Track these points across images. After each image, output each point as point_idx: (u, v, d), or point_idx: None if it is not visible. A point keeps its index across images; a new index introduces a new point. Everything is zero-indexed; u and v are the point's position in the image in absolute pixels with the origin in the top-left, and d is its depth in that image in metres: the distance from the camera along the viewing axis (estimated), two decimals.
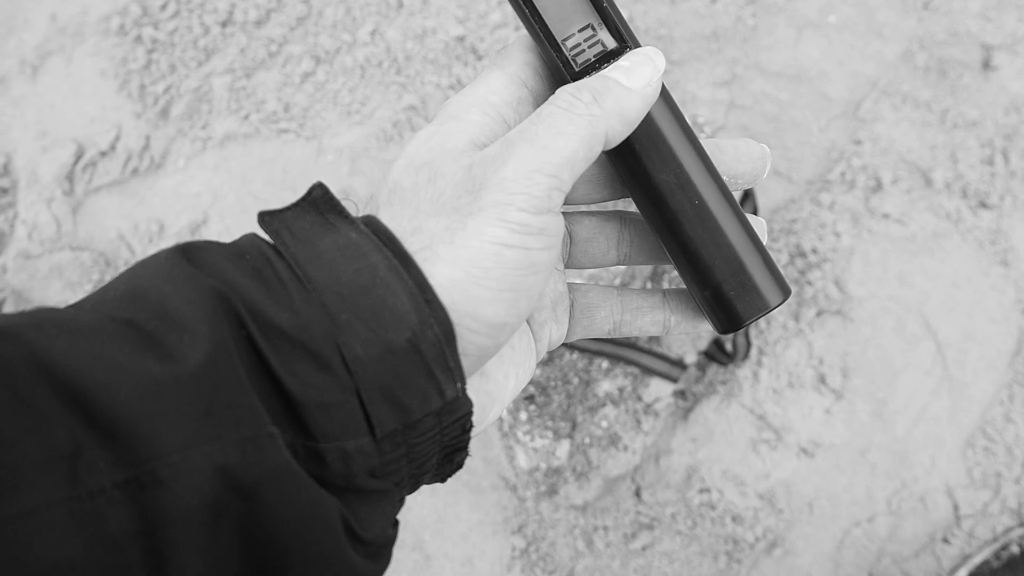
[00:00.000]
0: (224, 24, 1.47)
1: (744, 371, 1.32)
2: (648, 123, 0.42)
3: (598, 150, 0.40)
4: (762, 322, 1.32)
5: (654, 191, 0.43)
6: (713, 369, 1.33)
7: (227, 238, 1.41)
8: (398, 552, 1.39)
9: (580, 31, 0.42)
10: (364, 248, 0.37)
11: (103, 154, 1.43)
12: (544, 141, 0.38)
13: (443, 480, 0.42)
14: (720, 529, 1.32)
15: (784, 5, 1.44)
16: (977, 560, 1.25)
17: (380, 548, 0.38)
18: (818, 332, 1.32)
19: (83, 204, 1.42)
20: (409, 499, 1.39)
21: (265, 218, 0.39)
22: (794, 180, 1.36)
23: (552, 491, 1.26)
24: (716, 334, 1.24)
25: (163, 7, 1.47)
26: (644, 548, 1.34)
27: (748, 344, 1.26)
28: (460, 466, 0.42)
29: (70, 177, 1.42)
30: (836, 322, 1.32)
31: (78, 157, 1.42)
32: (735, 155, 0.46)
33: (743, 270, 0.45)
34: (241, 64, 1.45)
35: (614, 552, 1.35)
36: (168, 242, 1.40)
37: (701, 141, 0.44)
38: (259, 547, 0.33)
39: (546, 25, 0.42)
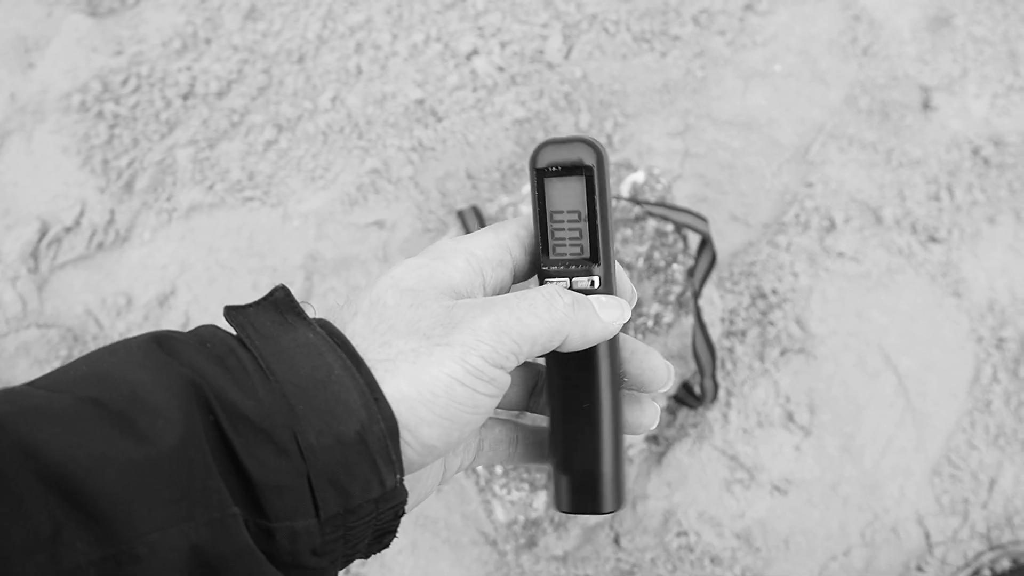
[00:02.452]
0: (185, 97, 1.49)
1: (714, 413, 1.34)
2: (593, 348, 0.48)
3: (554, 344, 0.45)
4: (728, 364, 1.35)
5: (567, 389, 0.50)
6: (683, 412, 1.35)
7: (196, 308, 1.42)
8: None
9: (570, 236, 0.48)
10: (320, 348, 0.40)
11: (68, 230, 1.44)
12: (521, 314, 0.43)
13: (367, 557, 0.44)
14: (700, 571, 1.33)
15: (731, 56, 1.49)
16: None
17: None
18: (783, 371, 1.35)
19: (48, 281, 1.42)
20: (389, 558, 1.38)
21: (231, 312, 0.42)
22: (751, 224, 1.40)
23: (531, 543, 1.27)
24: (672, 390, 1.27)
25: (124, 82, 1.49)
26: None
27: (716, 386, 1.28)
28: (387, 546, 0.44)
29: (35, 254, 1.42)
30: (800, 360, 1.35)
31: (42, 234, 1.43)
32: (640, 365, 0.51)
33: (595, 474, 0.49)
34: (204, 135, 1.47)
35: None
36: (136, 315, 1.40)
37: (623, 343, 0.50)
38: None
39: (545, 209, 0.48)
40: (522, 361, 0.44)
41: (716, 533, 1.33)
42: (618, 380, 0.49)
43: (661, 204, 1.17)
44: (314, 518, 0.38)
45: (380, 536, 0.43)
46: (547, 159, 0.47)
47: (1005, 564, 1.27)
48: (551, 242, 0.48)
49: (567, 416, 0.49)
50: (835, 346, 1.35)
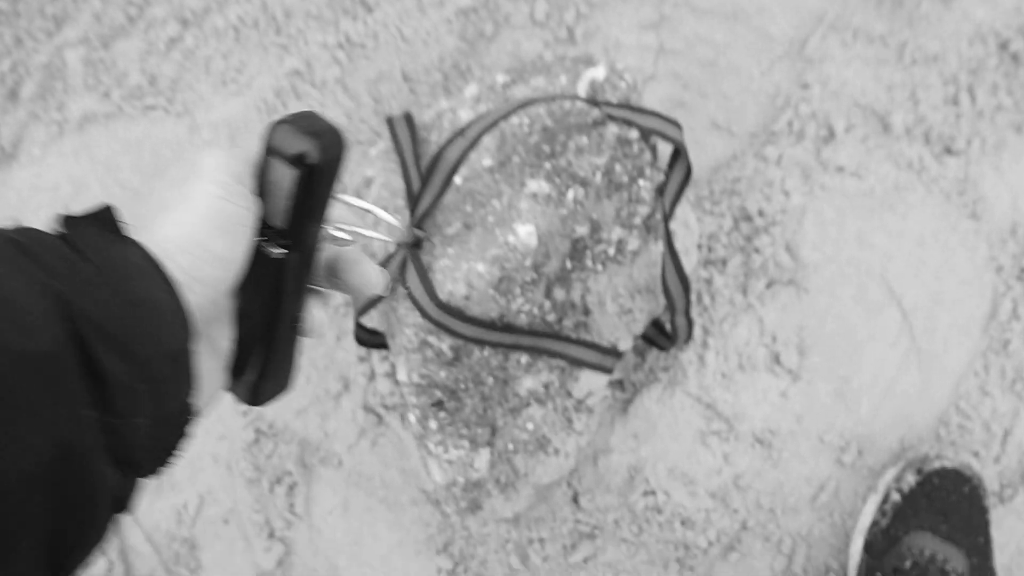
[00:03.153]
0: None
1: (688, 355, 1.16)
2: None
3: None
4: (706, 298, 1.16)
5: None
6: (653, 355, 1.16)
7: None
8: None
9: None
10: (144, 268, 0.44)
11: None
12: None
13: (155, 471, 0.47)
14: (669, 534, 1.17)
15: None
16: (865, 522, 1.11)
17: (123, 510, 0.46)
18: (769, 306, 1.16)
19: None
20: (320, 522, 1.22)
21: (69, 223, 0.45)
22: (735, 133, 1.19)
23: (475, 506, 1.09)
24: (651, 316, 1.08)
25: None
26: (586, 560, 1.19)
27: (690, 324, 1.09)
28: (169, 462, 0.48)
29: None
30: (789, 293, 1.16)
31: None
32: (352, 272, 0.57)
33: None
34: (97, 32, 1.26)
35: (553, 566, 1.19)
36: None
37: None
38: (66, 503, 0.39)
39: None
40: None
41: (688, 492, 1.16)
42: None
43: (624, 106, 0.97)
44: (149, 418, 0.43)
45: (169, 451, 0.47)
46: (276, 141, 0.49)
47: (911, 479, 1.09)
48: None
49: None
50: (830, 277, 1.15)
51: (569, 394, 1.07)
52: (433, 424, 1.03)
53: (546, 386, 1.05)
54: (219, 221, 0.47)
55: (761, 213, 1.16)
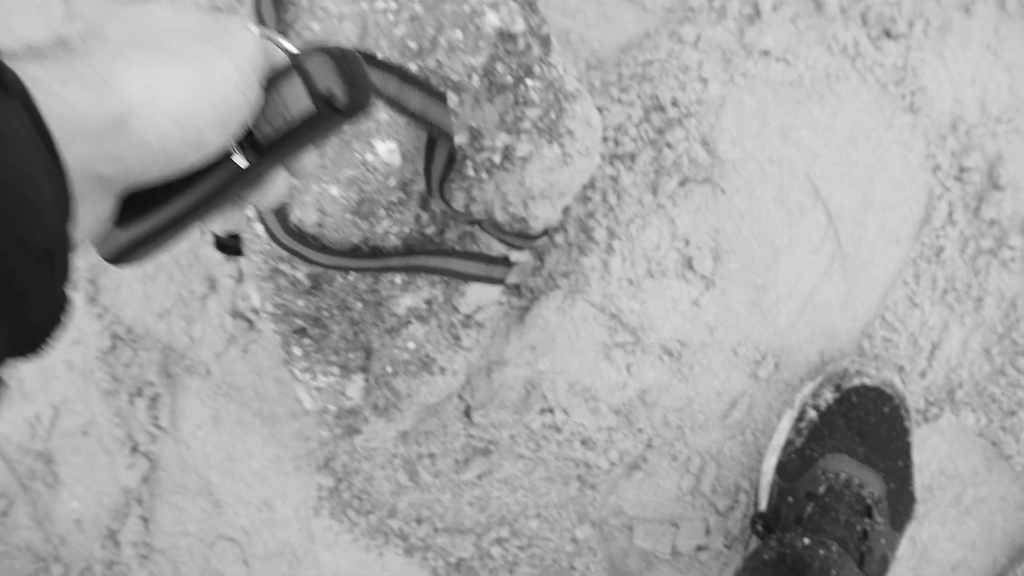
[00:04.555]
0: None
1: (591, 259, 1.04)
2: None
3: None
4: (611, 197, 1.04)
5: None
6: (553, 258, 1.04)
7: None
8: (180, 499, 1.13)
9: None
10: (22, 143, 0.36)
11: None
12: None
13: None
14: (569, 452, 1.08)
15: None
16: (780, 440, 1.04)
17: None
18: (682, 206, 1.04)
19: None
20: (189, 436, 1.12)
21: None
22: (648, 8, 1.05)
23: (352, 431, 0.99)
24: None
25: None
26: (480, 476, 1.10)
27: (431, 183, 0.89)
28: None
29: None
30: (704, 193, 1.03)
31: None
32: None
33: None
34: None
35: (444, 483, 1.11)
36: None
37: None
38: None
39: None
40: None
41: (590, 409, 1.06)
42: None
43: (390, 67, 0.77)
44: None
45: (29, 353, 0.39)
46: (315, 65, 0.47)
47: (828, 396, 1.01)
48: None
49: None
50: (750, 175, 1.03)
51: (456, 309, 0.96)
52: (297, 351, 0.91)
53: (428, 302, 0.93)
54: (221, 109, 0.43)
55: (675, 103, 1.02)
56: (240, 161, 0.46)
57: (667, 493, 1.09)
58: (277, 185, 0.51)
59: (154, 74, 0.41)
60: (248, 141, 0.46)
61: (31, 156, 0.36)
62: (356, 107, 0.48)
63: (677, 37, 1.02)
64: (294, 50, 0.48)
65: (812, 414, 1.01)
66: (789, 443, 1.02)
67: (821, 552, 0.91)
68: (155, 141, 0.41)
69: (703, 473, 1.08)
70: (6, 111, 0.36)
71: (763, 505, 1.03)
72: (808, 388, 1.04)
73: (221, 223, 0.51)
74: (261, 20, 0.87)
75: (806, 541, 0.92)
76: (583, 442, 1.07)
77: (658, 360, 1.06)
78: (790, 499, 0.99)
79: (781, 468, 1.02)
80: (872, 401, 0.99)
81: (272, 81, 0.47)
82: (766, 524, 1.01)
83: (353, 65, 0.47)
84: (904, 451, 1.01)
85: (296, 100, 0.46)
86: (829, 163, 1.03)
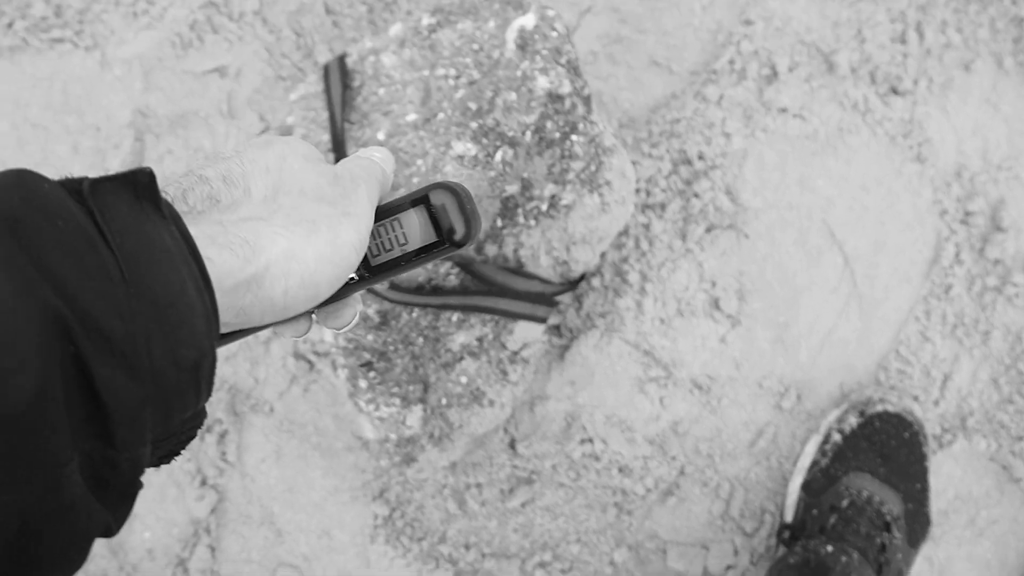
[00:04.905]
0: None
1: (626, 301, 1.13)
2: None
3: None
4: (644, 244, 1.13)
5: None
6: (591, 300, 1.13)
7: None
8: (245, 528, 1.21)
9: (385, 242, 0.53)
10: (176, 259, 0.38)
11: None
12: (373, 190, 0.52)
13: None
14: (607, 480, 1.16)
15: None
16: (805, 462, 1.12)
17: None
18: (709, 251, 1.13)
19: None
20: (253, 470, 1.20)
21: (93, 187, 0.37)
22: (675, 71, 1.14)
23: (409, 460, 1.08)
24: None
25: None
26: (524, 504, 1.18)
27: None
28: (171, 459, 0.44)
29: None
30: (729, 238, 1.13)
31: None
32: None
33: None
34: None
35: (490, 511, 1.19)
36: None
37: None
38: (28, 565, 0.35)
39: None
40: None
41: (626, 439, 1.15)
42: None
43: (496, 267, 0.93)
44: (149, 445, 0.38)
45: (170, 459, 0.43)
46: (439, 200, 0.52)
47: (852, 421, 1.09)
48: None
49: None
50: (771, 222, 1.12)
51: (504, 346, 1.05)
52: (363, 383, 1.00)
53: (479, 340, 1.02)
54: (341, 270, 0.47)
55: (701, 156, 1.12)
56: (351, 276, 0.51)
57: (699, 518, 1.17)
58: (351, 311, 0.54)
59: (292, 241, 0.44)
60: (362, 261, 0.51)
61: (184, 271, 0.38)
62: (470, 241, 0.53)
63: (702, 97, 1.12)
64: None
65: (837, 437, 1.09)
66: (815, 464, 1.10)
67: (843, 559, 0.99)
68: (280, 298, 0.44)
69: (732, 498, 1.16)
70: (162, 231, 0.38)
71: (789, 517, 1.11)
72: (833, 415, 1.12)
73: (293, 331, 0.54)
74: (330, 90, 0.97)
75: (829, 548, 1.00)
76: (620, 470, 1.15)
77: (689, 393, 1.14)
78: (815, 511, 1.07)
79: (807, 486, 1.10)
80: (894, 426, 1.08)
81: (391, 210, 0.52)
82: (792, 533, 1.09)
83: (470, 203, 0.52)
84: (922, 475, 1.09)
85: (419, 231, 0.52)
86: (844, 209, 1.12)
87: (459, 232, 0.52)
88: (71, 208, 0.36)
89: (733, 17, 1.14)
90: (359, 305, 0.55)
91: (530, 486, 1.18)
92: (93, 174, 0.39)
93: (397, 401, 1.01)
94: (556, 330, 1.15)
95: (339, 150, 0.93)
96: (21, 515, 0.33)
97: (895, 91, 1.12)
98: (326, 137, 0.95)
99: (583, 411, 1.15)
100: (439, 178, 0.87)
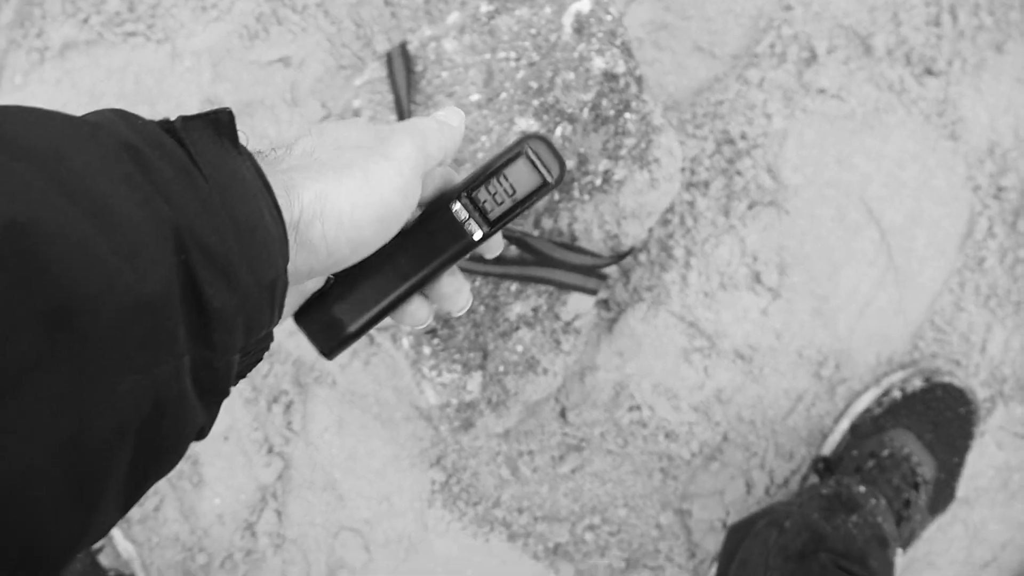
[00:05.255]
0: None
1: (671, 275, 1.19)
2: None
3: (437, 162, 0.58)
4: (688, 220, 1.18)
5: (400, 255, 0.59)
6: (638, 274, 1.19)
7: None
8: (309, 494, 1.28)
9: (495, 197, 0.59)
10: (253, 189, 0.42)
11: None
12: (428, 137, 0.56)
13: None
14: (653, 446, 1.22)
15: None
16: (859, 408, 1.16)
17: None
18: (751, 226, 1.18)
19: None
20: (317, 439, 1.27)
21: (186, 124, 0.42)
22: (718, 56, 1.20)
23: (468, 424, 1.14)
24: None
25: None
26: (573, 471, 1.24)
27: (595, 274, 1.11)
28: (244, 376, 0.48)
29: None
30: (770, 214, 1.18)
31: None
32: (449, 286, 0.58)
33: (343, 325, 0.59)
34: None
35: (542, 477, 1.25)
36: None
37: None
38: (154, 449, 0.38)
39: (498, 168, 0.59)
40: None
41: (672, 407, 1.20)
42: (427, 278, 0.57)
43: (549, 241, 0.99)
44: (239, 353, 0.42)
45: (243, 375, 0.48)
46: (534, 148, 0.58)
47: (917, 383, 1.14)
48: (480, 186, 0.57)
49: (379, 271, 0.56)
50: (810, 198, 1.18)
51: (557, 317, 1.11)
52: (427, 350, 1.06)
53: (535, 310, 1.08)
54: (382, 211, 0.48)
55: (743, 136, 1.17)
56: (476, 233, 0.57)
57: (739, 481, 1.22)
58: (464, 296, 0.59)
59: (324, 184, 0.46)
60: (482, 217, 0.57)
61: (261, 202, 0.42)
62: (564, 177, 0.58)
63: (743, 80, 1.17)
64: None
65: (897, 394, 1.14)
66: (867, 411, 1.15)
67: (872, 501, 1.04)
68: (320, 243, 0.46)
69: (766, 453, 1.22)
70: (241, 165, 0.42)
71: (827, 451, 1.17)
72: (899, 375, 1.16)
73: (410, 319, 0.58)
74: (394, 74, 1.04)
75: (862, 489, 1.06)
76: (666, 435, 1.21)
77: (731, 363, 1.20)
78: (855, 452, 1.12)
79: (854, 428, 1.15)
80: (954, 399, 1.13)
81: (495, 169, 0.58)
82: (827, 466, 1.14)
83: (556, 148, 0.58)
84: (963, 451, 1.14)
85: (524, 179, 0.57)
86: (881, 186, 1.17)
87: (555, 172, 0.58)
88: (169, 140, 0.41)
89: (773, 3, 1.19)
90: (468, 291, 0.59)
91: (579, 453, 1.24)
92: None
93: (458, 367, 1.07)
94: (605, 304, 1.21)
95: None
96: (155, 397, 0.37)
97: (930, 72, 1.17)
98: (393, 118, 1.01)
99: (631, 380, 1.20)
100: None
